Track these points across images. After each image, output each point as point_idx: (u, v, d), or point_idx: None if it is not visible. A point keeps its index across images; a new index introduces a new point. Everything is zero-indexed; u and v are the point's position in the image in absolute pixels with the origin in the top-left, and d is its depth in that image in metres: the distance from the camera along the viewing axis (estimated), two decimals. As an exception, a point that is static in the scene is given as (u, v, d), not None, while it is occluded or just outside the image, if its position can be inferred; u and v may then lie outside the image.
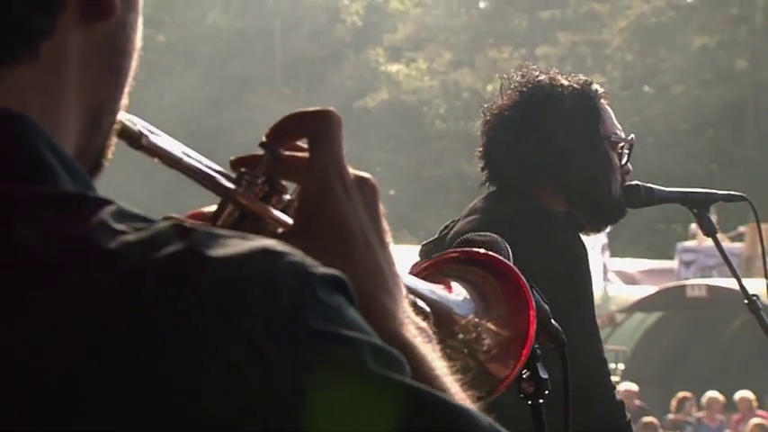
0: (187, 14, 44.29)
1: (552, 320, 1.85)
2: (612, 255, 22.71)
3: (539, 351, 1.77)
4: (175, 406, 0.80)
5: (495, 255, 1.56)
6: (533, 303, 1.63)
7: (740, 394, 13.66)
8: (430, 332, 1.08)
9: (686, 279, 20.37)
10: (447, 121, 42.90)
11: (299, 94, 44.90)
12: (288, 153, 1.16)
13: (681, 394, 14.01)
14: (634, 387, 14.83)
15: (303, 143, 1.15)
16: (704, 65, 39.09)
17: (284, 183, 1.16)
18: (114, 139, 1.05)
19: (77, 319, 0.82)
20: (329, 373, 0.83)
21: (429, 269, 1.48)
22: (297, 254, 0.88)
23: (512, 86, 2.84)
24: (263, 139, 1.13)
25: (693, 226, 23.59)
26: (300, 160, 1.13)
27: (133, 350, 0.81)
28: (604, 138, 2.82)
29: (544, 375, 1.76)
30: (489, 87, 43.00)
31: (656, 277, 24.09)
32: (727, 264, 2.96)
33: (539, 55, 41.69)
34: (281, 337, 0.83)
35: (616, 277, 23.11)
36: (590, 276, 2.62)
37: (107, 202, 0.90)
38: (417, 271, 1.47)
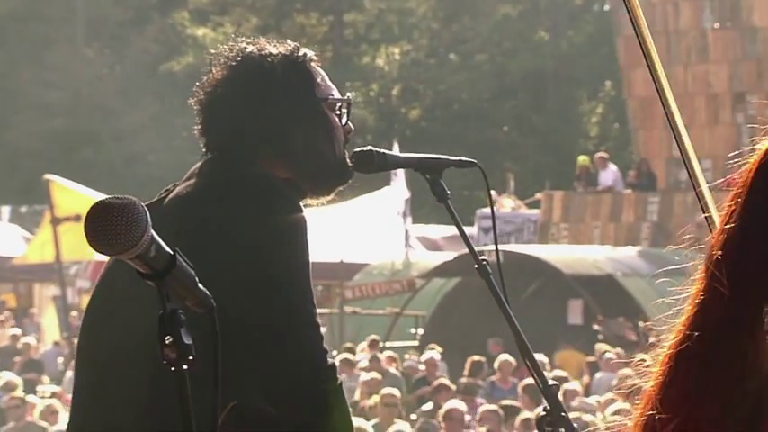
0: (-15, -29, 42.88)
1: (199, 285, 1.80)
2: (416, 221, 23.02)
3: (183, 316, 1.75)
4: None
5: None
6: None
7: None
8: None
9: (485, 245, 20.79)
10: (254, 86, 42.64)
11: (103, 56, 43.97)
12: None
13: (475, 358, 14.30)
14: (437, 356, 15.10)
15: None
16: (507, 34, 39.84)
17: None
18: None
19: None
20: None
21: None
22: None
23: (221, 61, 2.84)
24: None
25: (493, 193, 24.10)
26: None
27: None
28: (321, 100, 2.83)
29: (188, 341, 1.74)
30: (297, 53, 42.92)
31: (458, 243, 24.51)
32: (460, 232, 3.03)
33: (346, 21, 41.81)
34: None
35: (419, 243, 23.43)
36: (306, 243, 2.65)
37: None
38: None
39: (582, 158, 23.44)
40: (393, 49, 41.49)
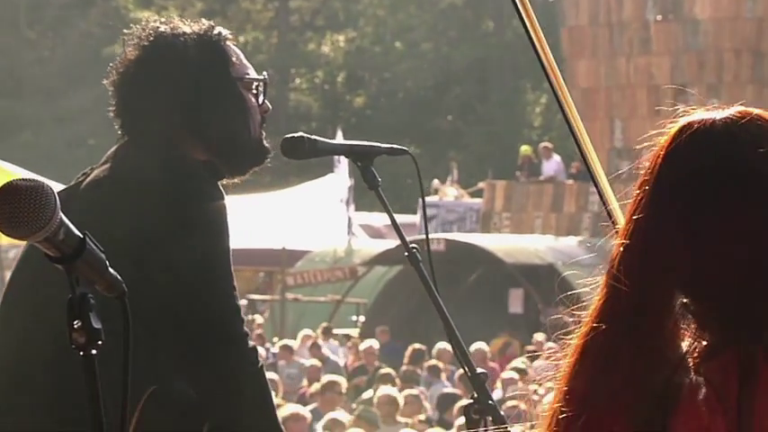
0: (-75, -49, 42.26)
1: (110, 269, 1.77)
2: (359, 209, 23.01)
3: (93, 300, 1.73)
4: None
5: None
6: None
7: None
8: None
9: (427, 233, 20.80)
10: (198, 71, 42.35)
11: (46, 39, 43.58)
12: None
13: (415, 346, 14.32)
14: (375, 344, 15.08)
15: None
16: (452, 23, 39.89)
17: None
18: None
19: None
20: None
21: None
22: None
23: (134, 41, 2.80)
24: None
25: (436, 181, 24.12)
26: None
27: None
28: (237, 79, 2.80)
29: (97, 325, 1.73)
30: (242, 39, 42.68)
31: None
32: (391, 220, 3.02)
33: (292, 7, 41.65)
34: None
35: (361, 231, 23.43)
36: (227, 227, 2.63)
37: None
38: None
39: (524, 148, 23.51)
40: (338, 36, 41.39)
